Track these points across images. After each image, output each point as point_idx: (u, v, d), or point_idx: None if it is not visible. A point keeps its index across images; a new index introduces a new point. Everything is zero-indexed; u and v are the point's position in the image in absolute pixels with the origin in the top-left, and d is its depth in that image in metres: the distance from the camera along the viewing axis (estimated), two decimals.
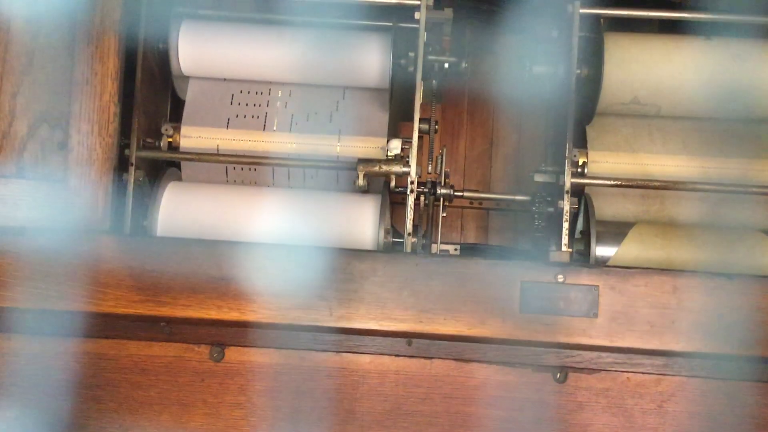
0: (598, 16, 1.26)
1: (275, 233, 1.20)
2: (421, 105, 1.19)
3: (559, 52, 1.32)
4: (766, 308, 1.03)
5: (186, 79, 1.34)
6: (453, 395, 1.13)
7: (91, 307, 1.05)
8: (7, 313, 1.07)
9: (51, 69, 1.10)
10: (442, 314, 1.04)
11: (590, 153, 1.27)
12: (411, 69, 1.25)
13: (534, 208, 1.32)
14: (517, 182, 1.64)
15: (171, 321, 1.09)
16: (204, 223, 1.22)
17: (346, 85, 1.33)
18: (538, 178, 1.31)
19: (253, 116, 1.31)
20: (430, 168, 1.34)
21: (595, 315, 1.04)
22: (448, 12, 1.26)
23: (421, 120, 1.19)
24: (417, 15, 1.20)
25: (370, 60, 1.28)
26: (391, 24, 1.29)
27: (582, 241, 1.24)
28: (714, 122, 1.30)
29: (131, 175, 1.17)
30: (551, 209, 1.29)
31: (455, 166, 1.65)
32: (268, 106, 1.32)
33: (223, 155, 1.27)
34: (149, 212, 1.21)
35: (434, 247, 1.34)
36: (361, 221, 1.21)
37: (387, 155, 1.22)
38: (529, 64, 1.31)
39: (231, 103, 1.32)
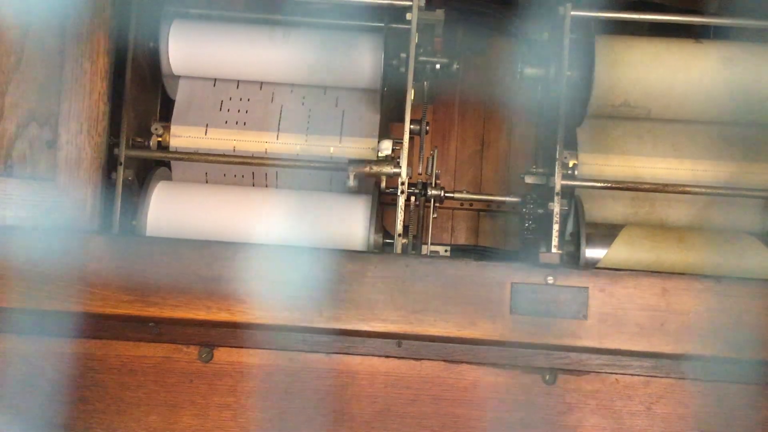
0: (589, 19, 1.26)
1: (265, 233, 1.19)
2: (413, 106, 1.19)
3: (550, 54, 1.32)
4: (754, 311, 1.04)
5: (176, 78, 1.33)
6: (443, 396, 1.13)
7: (79, 307, 1.04)
8: None
9: (40, 67, 1.09)
10: (432, 315, 1.04)
11: (580, 155, 1.27)
12: (402, 70, 1.25)
13: (524, 210, 1.33)
14: (508, 184, 1.64)
15: (160, 321, 1.08)
16: (194, 222, 1.21)
17: (338, 86, 1.33)
18: (529, 179, 1.31)
19: (243, 116, 1.30)
20: (420, 169, 1.34)
21: (585, 317, 1.04)
22: (440, 13, 1.26)
23: (412, 121, 1.19)
24: (409, 16, 1.20)
25: (362, 61, 1.28)
26: (382, 25, 1.29)
27: (572, 243, 1.25)
28: (704, 125, 1.30)
29: (120, 175, 1.17)
30: (541, 211, 1.29)
31: (446, 167, 1.65)
32: (258, 106, 1.32)
33: (213, 155, 1.26)
34: (138, 212, 1.20)
35: (424, 249, 1.34)
36: (352, 222, 1.21)
37: (378, 156, 1.22)
38: (521, 65, 1.31)
39: (221, 103, 1.32)
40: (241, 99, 1.32)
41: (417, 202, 1.32)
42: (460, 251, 1.62)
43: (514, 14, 1.57)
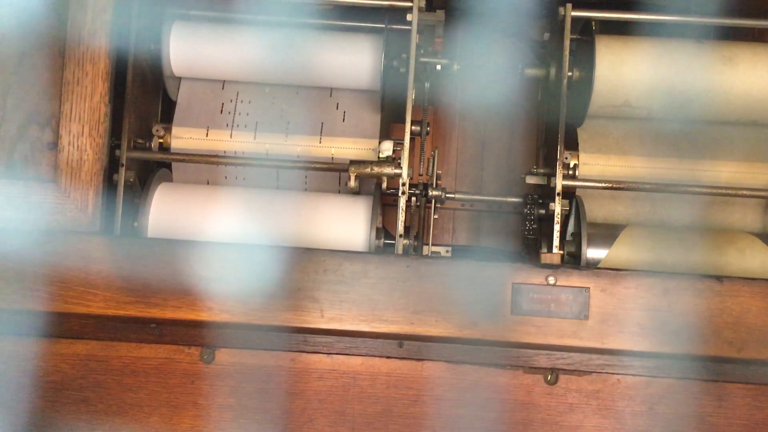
0: (589, 19, 1.26)
1: (266, 234, 1.19)
2: (413, 107, 1.19)
3: (551, 55, 1.32)
4: (755, 310, 1.04)
5: (177, 79, 1.34)
6: (444, 397, 1.13)
7: (80, 309, 1.05)
8: None
9: (41, 69, 1.09)
10: (434, 316, 1.04)
11: (581, 155, 1.27)
12: (403, 71, 1.25)
13: (525, 210, 1.33)
14: (509, 184, 1.64)
15: (161, 323, 1.08)
16: (195, 224, 1.21)
17: (339, 87, 1.33)
18: (530, 180, 1.31)
19: (245, 118, 1.30)
20: (421, 170, 1.34)
21: (586, 317, 1.04)
22: (440, 14, 1.26)
23: (413, 122, 1.19)
24: (409, 17, 1.21)
25: (363, 62, 1.28)
26: (383, 26, 1.29)
27: (573, 243, 1.25)
28: (704, 125, 1.30)
29: (122, 176, 1.17)
30: (542, 211, 1.30)
31: (447, 167, 1.65)
32: (260, 107, 1.32)
33: (214, 156, 1.27)
34: (140, 213, 1.21)
35: (426, 249, 1.34)
36: (353, 223, 1.21)
37: (379, 157, 1.22)
38: (521, 66, 1.31)
39: (222, 105, 1.32)
40: (242, 100, 1.32)
41: (418, 203, 1.32)
42: (461, 252, 1.62)
43: (515, 15, 1.57)
